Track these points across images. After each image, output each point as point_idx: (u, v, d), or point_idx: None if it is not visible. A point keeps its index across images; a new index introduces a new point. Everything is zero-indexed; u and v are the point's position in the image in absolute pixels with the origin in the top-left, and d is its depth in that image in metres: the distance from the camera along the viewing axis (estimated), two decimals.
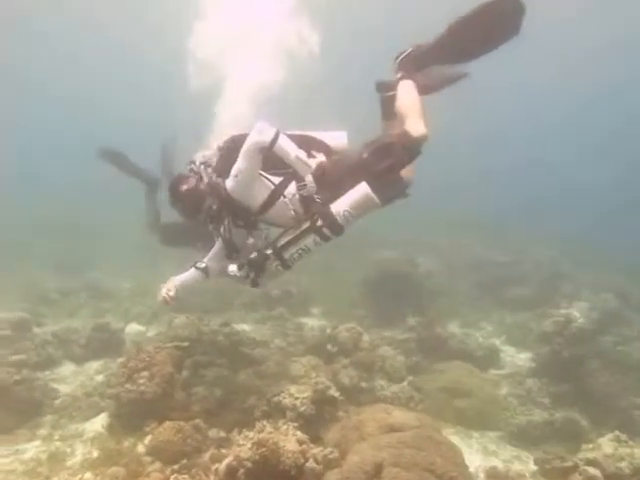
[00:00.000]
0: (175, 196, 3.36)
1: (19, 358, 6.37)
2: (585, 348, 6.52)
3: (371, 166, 3.17)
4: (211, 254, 3.66)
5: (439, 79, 3.68)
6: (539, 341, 7.00)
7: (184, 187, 3.30)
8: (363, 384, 5.98)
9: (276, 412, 4.74)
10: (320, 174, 3.20)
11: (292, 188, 3.25)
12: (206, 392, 5.18)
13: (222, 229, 3.38)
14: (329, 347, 6.60)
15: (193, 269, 3.67)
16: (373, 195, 3.09)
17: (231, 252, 3.44)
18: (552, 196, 25.12)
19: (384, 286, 9.46)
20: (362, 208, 3.12)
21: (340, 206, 3.11)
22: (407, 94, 3.41)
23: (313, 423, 4.51)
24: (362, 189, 3.10)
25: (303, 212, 3.24)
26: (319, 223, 3.12)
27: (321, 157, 3.33)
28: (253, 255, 3.20)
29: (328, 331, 7.01)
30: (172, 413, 4.71)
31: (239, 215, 3.30)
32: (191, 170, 3.37)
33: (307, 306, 10.06)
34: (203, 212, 3.30)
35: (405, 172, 3.33)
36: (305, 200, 3.23)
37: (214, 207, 3.27)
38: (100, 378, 6.36)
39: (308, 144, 3.39)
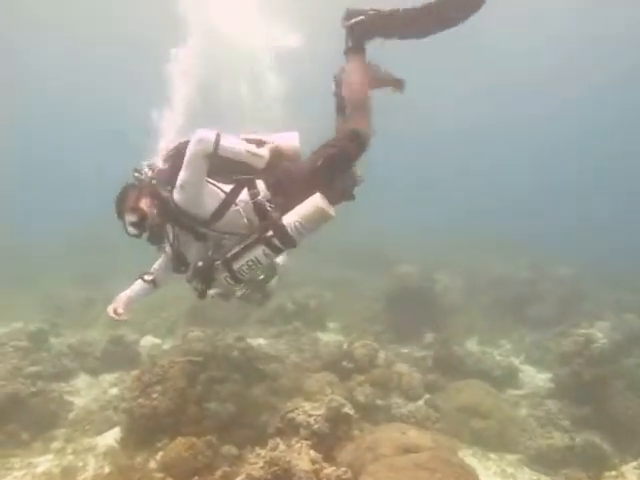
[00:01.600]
0: (120, 208, 3.14)
1: (35, 370, 6.42)
2: (607, 370, 6.33)
3: (324, 172, 3.10)
4: (159, 264, 3.50)
5: (375, 77, 3.48)
6: (559, 361, 6.84)
7: (131, 199, 3.10)
8: (379, 402, 5.88)
9: (289, 429, 4.67)
10: (276, 158, 3.08)
11: (245, 195, 3.08)
12: (219, 407, 5.13)
13: (170, 239, 3.18)
14: (345, 363, 6.52)
15: (140, 281, 3.51)
16: (324, 207, 2.96)
17: (179, 265, 3.23)
18: (573, 212, 24.77)
19: (401, 302, 9.39)
20: (314, 220, 2.99)
21: (292, 217, 2.97)
22: (358, 76, 3.24)
23: (327, 441, 4.43)
24: (314, 200, 2.97)
25: (257, 220, 3.08)
26: (269, 234, 2.97)
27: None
28: (200, 264, 3.05)
29: (344, 347, 6.94)
30: (185, 428, 4.67)
31: (189, 225, 3.11)
32: (138, 180, 3.17)
33: (324, 320, 9.99)
34: (150, 224, 3.08)
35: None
36: (259, 208, 3.07)
37: (160, 219, 3.07)
38: (114, 391, 6.38)
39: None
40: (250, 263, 3.04)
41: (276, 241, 2.97)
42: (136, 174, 3.14)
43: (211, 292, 3.19)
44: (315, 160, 3.13)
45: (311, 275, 11.57)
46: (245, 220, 3.02)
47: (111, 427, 5.19)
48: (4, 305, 11.01)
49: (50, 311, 10.27)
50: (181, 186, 2.93)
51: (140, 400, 4.77)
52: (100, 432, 5.19)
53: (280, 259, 4.86)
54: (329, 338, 8.89)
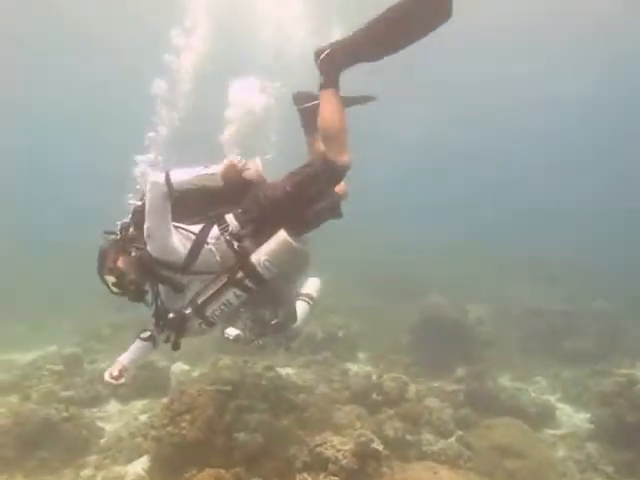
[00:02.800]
0: (100, 270, 3.04)
1: (68, 395, 6.53)
2: None
3: (295, 200, 3.02)
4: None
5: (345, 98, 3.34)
6: (598, 401, 6.56)
7: (108, 259, 2.98)
8: (409, 437, 5.73)
9: (318, 463, 4.59)
10: (230, 174, 2.90)
11: (215, 232, 3.00)
12: (247, 438, 5.10)
13: (151, 295, 3.09)
14: (374, 396, 6.42)
15: (138, 341, 3.45)
16: (290, 241, 2.90)
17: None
18: (616, 242, 23.96)
19: (432, 333, 9.22)
20: (281, 256, 2.93)
21: (259, 255, 2.92)
22: (330, 109, 3.07)
23: (355, 478, 4.34)
24: (279, 236, 2.92)
25: (231, 255, 2.98)
26: (239, 275, 2.92)
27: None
28: (171, 316, 2.97)
29: (374, 378, 6.86)
30: (213, 459, 4.64)
31: (166, 277, 3.02)
32: (114, 240, 3.07)
33: (353, 350, 9.87)
34: (127, 280, 2.94)
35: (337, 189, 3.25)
36: (229, 243, 2.97)
37: (136, 275, 2.97)
38: (144, 418, 6.40)
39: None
40: (222, 307, 2.99)
41: (247, 282, 2.93)
42: (112, 236, 3.07)
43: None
44: (284, 186, 3.04)
45: (340, 301, 11.49)
46: (218, 258, 2.95)
47: (140, 455, 5.21)
48: (39, 325, 11.32)
49: (85, 334, 10.47)
50: (148, 235, 2.84)
51: (169, 429, 4.78)
52: (130, 460, 5.21)
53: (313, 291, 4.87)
54: (358, 368, 8.79)
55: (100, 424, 6.19)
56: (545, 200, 33.08)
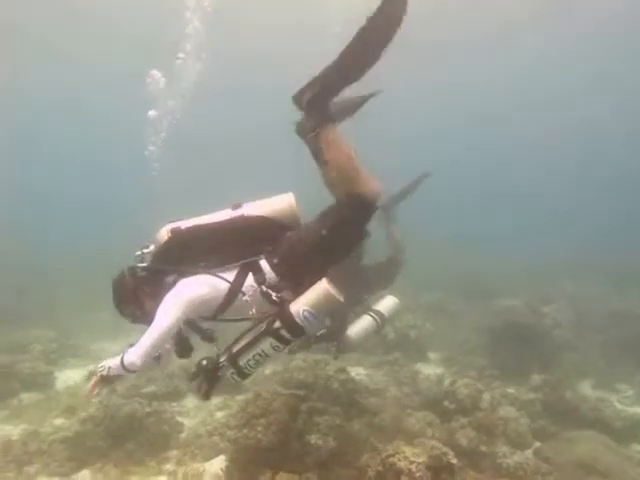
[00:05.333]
0: (120, 305, 3.02)
1: (151, 390, 6.90)
2: None
3: (332, 243, 2.86)
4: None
5: (348, 105, 3.12)
6: None
7: (128, 294, 2.95)
8: (483, 448, 5.59)
9: (390, 474, 4.57)
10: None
11: (250, 281, 2.84)
12: (320, 442, 5.16)
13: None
14: (446, 403, 6.30)
15: None
16: (333, 292, 2.77)
17: (184, 353, 3.09)
18: None
19: (506, 336, 8.91)
20: (323, 307, 2.79)
21: (300, 305, 2.77)
22: (335, 150, 2.83)
23: None
24: (322, 287, 2.78)
25: (266, 304, 2.85)
26: (276, 325, 2.78)
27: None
28: (204, 363, 2.86)
29: (445, 382, 6.74)
30: (287, 464, 4.76)
31: (194, 324, 2.98)
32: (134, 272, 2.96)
33: (424, 351, 9.77)
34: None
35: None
36: (266, 295, 2.82)
37: None
38: (220, 415, 6.66)
39: (239, 233, 2.89)
40: (257, 357, 2.85)
41: (285, 333, 2.78)
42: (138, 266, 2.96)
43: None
44: (319, 230, 2.88)
45: (410, 298, 11.34)
46: (253, 310, 2.82)
47: (217, 454, 5.41)
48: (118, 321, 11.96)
49: None
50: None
51: (245, 431, 4.93)
52: (207, 458, 5.43)
53: (387, 307, 4.81)
54: (429, 371, 8.67)
55: (179, 419, 6.48)
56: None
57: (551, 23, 21.44)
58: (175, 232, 2.87)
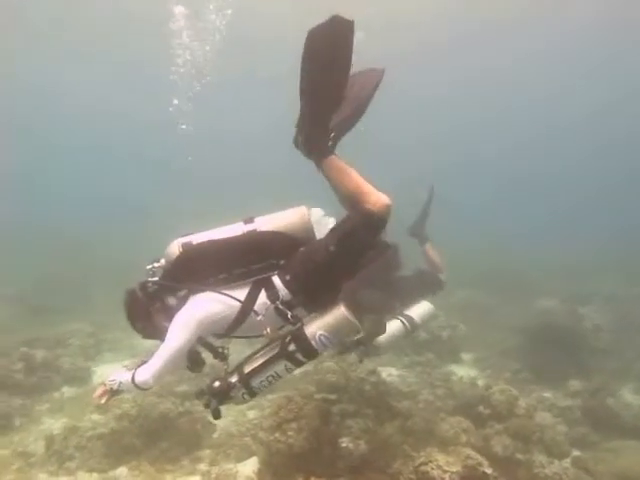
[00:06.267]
0: (133, 321, 2.98)
1: (183, 389, 6.99)
2: None
3: (341, 258, 2.76)
4: None
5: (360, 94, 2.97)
6: None
7: (140, 311, 2.91)
8: (519, 456, 5.46)
9: None
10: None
11: (263, 298, 2.77)
12: (351, 445, 5.14)
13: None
14: (481, 408, 6.17)
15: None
16: (350, 317, 2.73)
17: (195, 367, 3.01)
18: None
19: (542, 338, 8.69)
20: (339, 331, 2.75)
21: (316, 328, 2.72)
22: (339, 177, 2.81)
23: None
24: (338, 312, 2.74)
25: (279, 321, 2.80)
26: (291, 348, 2.73)
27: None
28: (216, 384, 2.78)
29: (480, 388, 6.61)
30: (319, 469, 4.75)
31: (205, 342, 2.92)
32: (145, 288, 2.92)
33: (457, 352, 9.61)
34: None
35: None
36: (280, 312, 2.75)
37: None
38: (251, 414, 6.70)
39: (254, 250, 2.80)
40: (270, 379, 2.79)
41: (299, 356, 2.74)
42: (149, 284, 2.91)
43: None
44: (327, 246, 2.79)
45: (442, 297, 11.18)
46: (268, 329, 2.76)
47: (250, 456, 5.46)
48: None
49: None
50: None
51: (276, 435, 4.94)
52: (240, 459, 5.49)
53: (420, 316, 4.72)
54: (462, 372, 8.54)
55: (211, 418, 6.54)
56: None
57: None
58: (186, 247, 2.81)
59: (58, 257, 17.49)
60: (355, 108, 2.97)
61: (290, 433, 4.86)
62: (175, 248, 2.83)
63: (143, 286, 2.90)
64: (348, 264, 2.85)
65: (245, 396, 2.84)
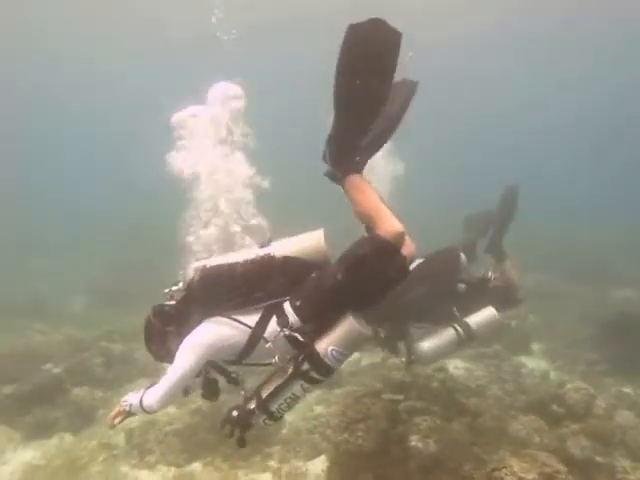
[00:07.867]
0: (149, 345, 3.04)
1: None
2: None
3: (349, 286, 2.69)
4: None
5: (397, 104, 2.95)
6: None
7: (156, 336, 2.97)
8: (599, 459, 5.21)
9: None
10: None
11: (273, 325, 2.74)
12: (420, 444, 5.09)
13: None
14: (554, 407, 5.93)
15: None
16: (360, 328, 2.69)
17: (211, 396, 3.04)
18: None
19: (619, 329, 8.20)
20: (351, 344, 2.73)
21: (327, 344, 2.69)
22: (358, 196, 2.82)
23: None
24: (348, 324, 2.70)
25: (290, 348, 2.76)
26: (305, 367, 2.71)
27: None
28: (235, 413, 2.82)
29: (553, 383, 6.35)
30: (389, 469, 4.75)
31: (219, 366, 2.94)
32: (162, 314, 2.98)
33: (526, 341, 9.26)
34: None
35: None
36: (290, 339, 2.71)
37: None
38: (319, 409, 6.76)
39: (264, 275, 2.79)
40: (288, 400, 2.80)
41: (314, 374, 2.72)
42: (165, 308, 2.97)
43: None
44: (335, 274, 2.72)
45: None
46: (277, 358, 2.74)
47: (318, 454, 5.54)
48: None
49: None
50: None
51: (345, 435, 4.97)
52: (309, 457, 5.58)
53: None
54: (532, 364, 8.26)
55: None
56: None
57: None
58: (201, 271, 2.84)
59: (124, 242, 18.06)
60: (387, 124, 2.93)
61: (359, 434, 4.88)
62: (191, 272, 2.89)
63: (160, 309, 2.97)
64: (359, 291, 2.77)
65: (267, 421, 2.87)
